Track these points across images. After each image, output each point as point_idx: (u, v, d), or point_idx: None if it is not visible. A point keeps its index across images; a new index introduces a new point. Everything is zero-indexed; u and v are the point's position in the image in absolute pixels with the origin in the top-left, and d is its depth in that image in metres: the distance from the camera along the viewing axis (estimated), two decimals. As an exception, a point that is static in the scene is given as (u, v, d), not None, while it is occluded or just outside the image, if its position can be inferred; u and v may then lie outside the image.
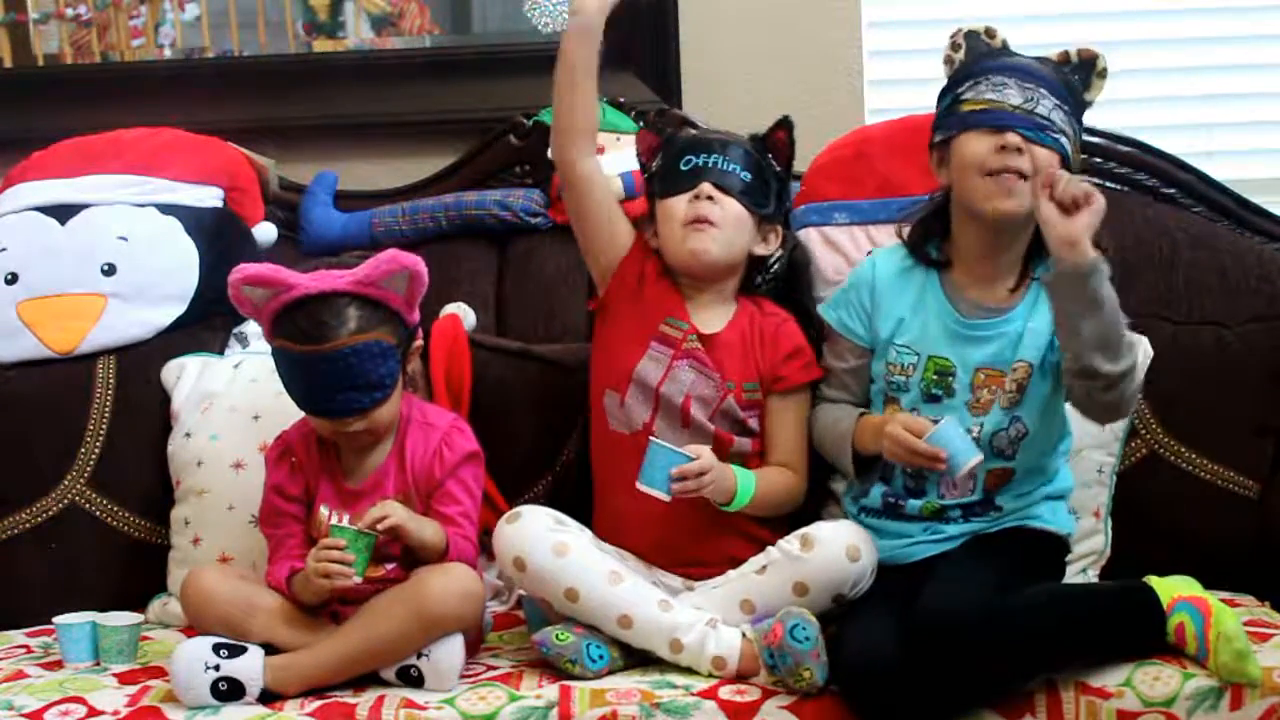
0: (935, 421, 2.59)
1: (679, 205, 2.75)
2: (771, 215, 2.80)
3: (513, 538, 2.60)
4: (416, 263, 2.66)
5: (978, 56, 2.71)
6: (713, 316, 2.78)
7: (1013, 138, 2.60)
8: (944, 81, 2.74)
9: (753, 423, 2.76)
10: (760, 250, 2.80)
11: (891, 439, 2.60)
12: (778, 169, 2.82)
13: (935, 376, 2.68)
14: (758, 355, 2.77)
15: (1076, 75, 2.71)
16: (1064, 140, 2.63)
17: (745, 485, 2.66)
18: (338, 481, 2.70)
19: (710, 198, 2.73)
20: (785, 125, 2.81)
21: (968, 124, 2.64)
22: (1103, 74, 2.72)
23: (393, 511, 2.57)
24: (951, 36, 2.75)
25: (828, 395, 2.78)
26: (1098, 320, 2.53)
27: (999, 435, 2.67)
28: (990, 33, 2.73)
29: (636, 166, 2.96)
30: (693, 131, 3.02)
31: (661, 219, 2.78)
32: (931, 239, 2.74)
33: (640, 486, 2.59)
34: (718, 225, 2.73)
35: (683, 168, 2.76)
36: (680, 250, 2.75)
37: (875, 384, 2.76)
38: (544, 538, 2.59)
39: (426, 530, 2.61)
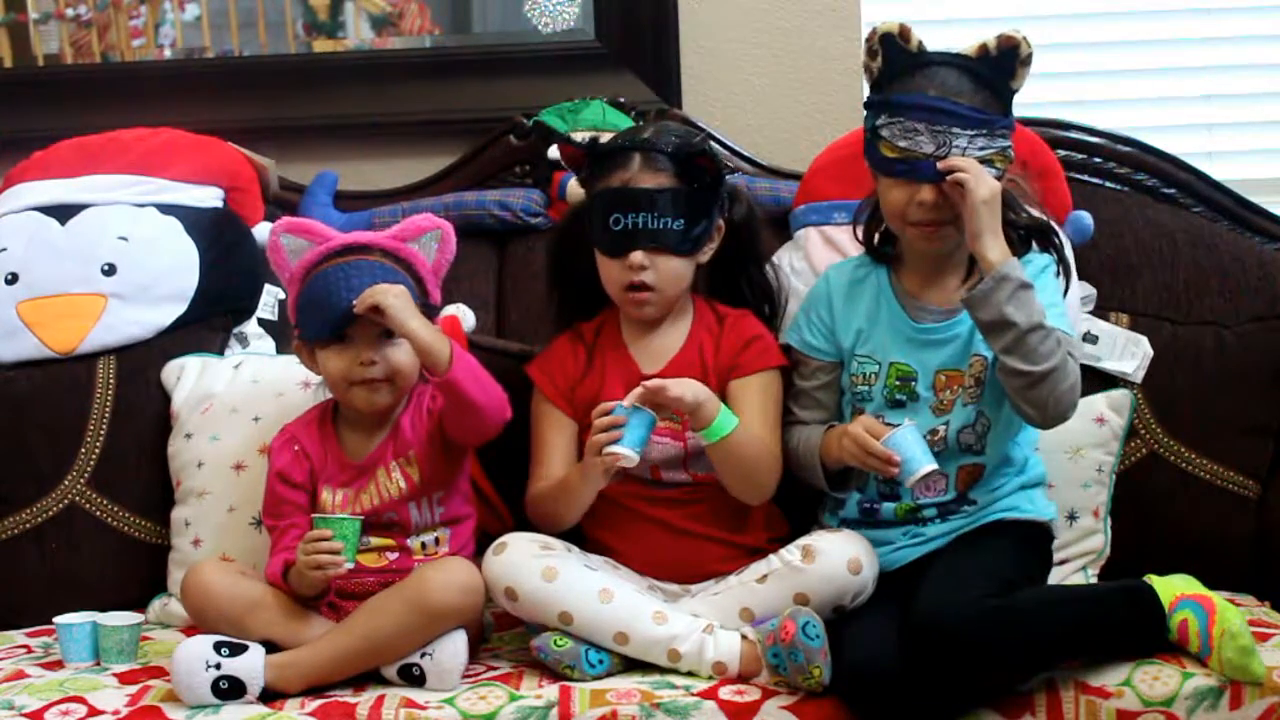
0: (896, 426, 2.60)
1: (612, 268, 2.73)
2: (710, 232, 2.76)
3: (502, 568, 2.60)
4: (448, 227, 2.74)
5: (895, 70, 2.66)
6: (662, 343, 2.78)
7: (927, 194, 2.62)
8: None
9: None
10: (704, 259, 2.78)
11: (851, 437, 2.62)
12: (709, 179, 2.74)
13: (898, 382, 2.70)
14: (715, 356, 2.76)
15: (999, 67, 2.64)
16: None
17: (727, 413, 2.64)
18: (340, 459, 2.71)
19: (643, 266, 2.70)
20: (706, 155, 2.73)
21: (884, 170, 2.66)
22: (1026, 61, 2.64)
23: (376, 296, 2.58)
24: (867, 41, 2.68)
25: (801, 417, 2.78)
26: (1017, 326, 2.54)
27: (965, 431, 2.69)
28: (905, 35, 2.65)
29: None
30: (617, 179, 2.73)
31: (600, 267, 2.76)
32: (882, 236, 2.78)
33: (618, 449, 2.57)
34: (655, 289, 2.72)
35: (613, 227, 2.70)
36: (621, 307, 2.77)
37: (844, 395, 2.78)
38: (532, 565, 2.59)
39: (422, 327, 2.58)
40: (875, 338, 2.73)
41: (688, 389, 2.61)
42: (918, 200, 2.63)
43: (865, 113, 2.70)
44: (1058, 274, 2.72)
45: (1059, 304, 2.68)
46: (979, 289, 2.56)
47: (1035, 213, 2.75)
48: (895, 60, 2.65)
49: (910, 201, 2.64)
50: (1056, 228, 2.81)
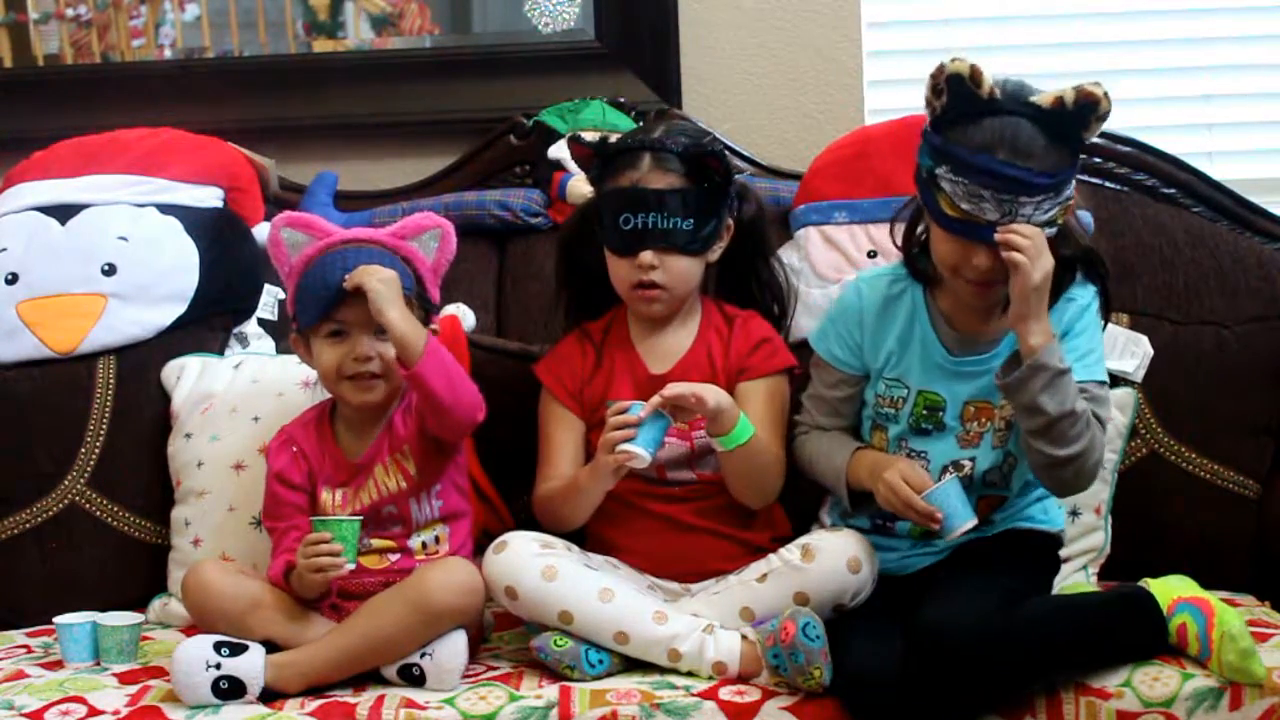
0: (924, 460, 2.59)
1: (621, 266, 2.74)
2: (720, 231, 2.76)
3: (502, 567, 2.59)
4: (449, 225, 2.74)
5: (961, 112, 2.49)
6: (671, 343, 2.78)
7: (983, 260, 2.52)
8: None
9: None
10: (714, 258, 2.78)
11: (889, 487, 2.57)
12: (718, 179, 2.74)
13: (925, 411, 2.67)
14: (724, 358, 2.76)
15: (1073, 121, 2.52)
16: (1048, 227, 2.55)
17: (745, 421, 2.64)
18: (338, 459, 2.70)
19: (653, 266, 2.70)
20: (716, 156, 2.71)
21: (941, 223, 2.55)
22: (1103, 117, 2.53)
23: (363, 275, 2.58)
24: (933, 77, 2.50)
25: (819, 422, 2.75)
26: (1048, 414, 2.50)
27: (991, 471, 2.67)
28: (976, 78, 2.47)
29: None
30: (627, 179, 2.73)
31: (609, 266, 2.77)
32: (922, 251, 2.69)
33: (631, 447, 2.57)
34: (664, 287, 2.72)
35: (623, 227, 2.71)
36: (630, 305, 2.78)
37: (865, 410, 2.75)
38: (532, 564, 2.58)
39: (401, 318, 2.57)
40: (906, 362, 2.68)
41: (711, 394, 2.60)
42: (973, 262, 2.53)
43: (921, 145, 2.56)
44: (1099, 308, 2.66)
45: (1097, 348, 2.63)
46: (1014, 377, 2.50)
47: (1083, 240, 2.69)
48: (962, 102, 2.49)
49: (964, 261, 2.54)
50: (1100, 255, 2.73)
